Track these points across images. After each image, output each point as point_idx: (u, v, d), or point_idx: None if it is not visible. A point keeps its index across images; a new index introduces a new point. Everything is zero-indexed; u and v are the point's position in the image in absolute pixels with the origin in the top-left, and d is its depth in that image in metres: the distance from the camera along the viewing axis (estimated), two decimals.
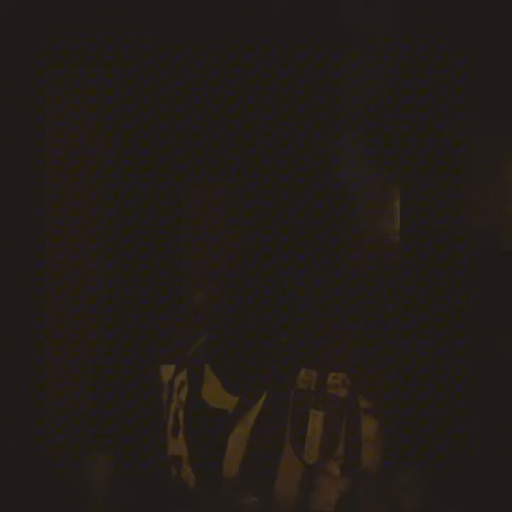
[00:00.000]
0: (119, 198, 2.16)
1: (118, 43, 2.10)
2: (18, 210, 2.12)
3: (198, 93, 2.12)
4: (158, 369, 1.44)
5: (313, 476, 1.15)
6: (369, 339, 1.26)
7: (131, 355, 2.13)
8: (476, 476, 1.52)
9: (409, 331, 1.52)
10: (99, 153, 2.15)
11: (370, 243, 1.90)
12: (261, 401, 1.20)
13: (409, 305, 1.64)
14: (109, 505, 1.94)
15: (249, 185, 1.48)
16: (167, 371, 1.42)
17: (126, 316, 2.15)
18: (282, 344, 1.23)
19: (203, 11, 2.07)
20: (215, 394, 1.27)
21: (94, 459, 1.96)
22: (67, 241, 2.13)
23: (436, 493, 1.35)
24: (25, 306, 2.11)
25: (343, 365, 1.18)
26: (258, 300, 1.27)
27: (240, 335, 1.28)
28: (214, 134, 2.04)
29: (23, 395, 2.09)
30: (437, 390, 1.50)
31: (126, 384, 2.11)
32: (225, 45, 2.07)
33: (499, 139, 1.88)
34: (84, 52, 2.10)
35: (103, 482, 1.94)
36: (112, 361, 2.12)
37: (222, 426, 1.22)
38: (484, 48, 1.91)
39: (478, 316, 1.75)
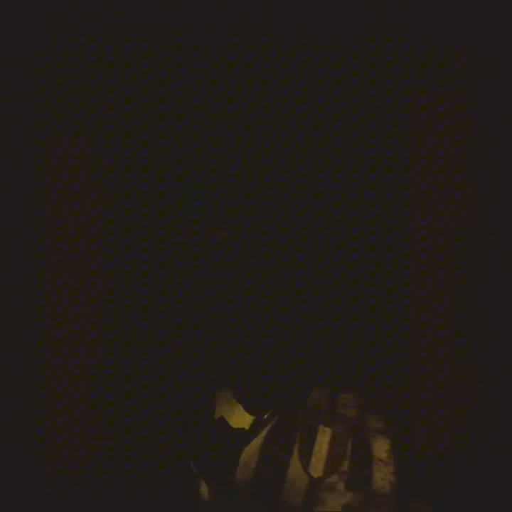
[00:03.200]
0: (119, 199, 2.16)
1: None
2: (17, 213, 2.12)
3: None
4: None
5: (318, 489, 1.19)
6: (381, 362, 1.32)
7: (131, 356, 2.13)
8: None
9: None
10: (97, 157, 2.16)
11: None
12: (274, 417, 1.31)
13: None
14: None
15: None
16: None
17: (126, 316, 2.15)
18: (295, 365, 1.33)
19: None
20: (238, 416, 1.36)
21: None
22: (68, 242, 2.13)
23: None
24: (24, 306, 2.11)
25: (354, 387, 1.25)
26: (273, 324, 1.37)
27: (256, 360, 1.38)
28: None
29: (23, 396, 2.09)
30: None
31: (128, 386, 2.11)
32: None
33: None
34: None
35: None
36: (112, 363, 2.12)
37: (239, 442, 1.32)
38: None
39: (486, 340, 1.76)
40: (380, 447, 1.21)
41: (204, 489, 1.40)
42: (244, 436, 1.31)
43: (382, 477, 1.19)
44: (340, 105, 2.06)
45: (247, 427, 1.32)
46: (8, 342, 2.09)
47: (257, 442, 1.28)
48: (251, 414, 1.33)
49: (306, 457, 1.21)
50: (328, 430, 1.20)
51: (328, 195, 1.99)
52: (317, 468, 1.20)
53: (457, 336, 1.73)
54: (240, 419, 1.34)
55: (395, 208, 2.00)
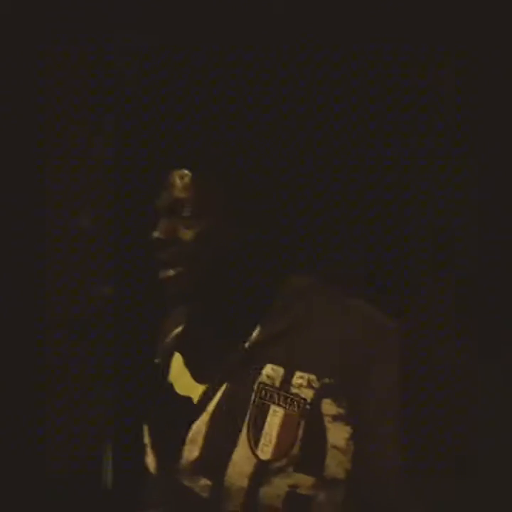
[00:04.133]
0: (119, 197, 2.16)
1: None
2: (18, 211, 2.12)
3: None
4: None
5: (265, 471, 1.13)
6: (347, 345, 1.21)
7: (132, 356, 2.12)
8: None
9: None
10: (99, 155, 2.16)
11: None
12: (221, 391, 1.19)
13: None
14: None
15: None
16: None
17: (127, 316, 2.15)
18: (250, 339, 1.21)
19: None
20: (184, 382, 1.28)
21: None
22: (68, 242, 2.13)
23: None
24: (24, 306, 2.11)
25: (312, 368, 1.15)
26: (233, 293, 1.25)
27: (213, 326, 1.28)
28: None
29: (23, 395, 2.09)
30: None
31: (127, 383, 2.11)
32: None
33: None
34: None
35: None
36: (112, 362, 2.12)
37: (186, 413, 1.22)
38: None
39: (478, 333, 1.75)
40: (337, 434, 1.14)
41: (151, 460, 1.29)
42: (193, 410, 1.21)
43: (337, 464, 1.13)
44: (340, 105, 2.06)
45: (194, 398, 1.22)
46: (8, 342, 2.09)
47: (204, 419, 1.19)
48: (199, 383, 1.24)
49: (254, 438, 1.14)
50: (280, 411, 1.14)
51: (327, 195, 1.99)
52: (266, 451, 1.13)
53: (457, 336, 1.73)
54: (186, 386, 1.26)
55: (395, 207, 2.00)
